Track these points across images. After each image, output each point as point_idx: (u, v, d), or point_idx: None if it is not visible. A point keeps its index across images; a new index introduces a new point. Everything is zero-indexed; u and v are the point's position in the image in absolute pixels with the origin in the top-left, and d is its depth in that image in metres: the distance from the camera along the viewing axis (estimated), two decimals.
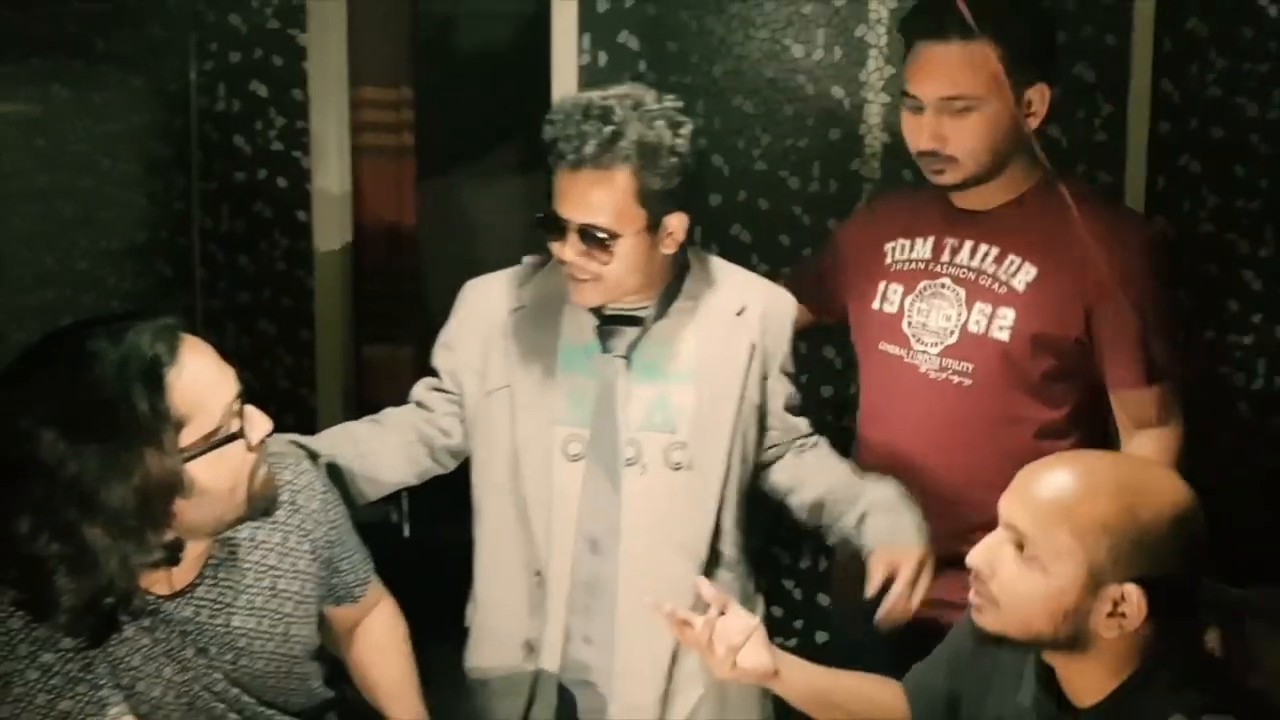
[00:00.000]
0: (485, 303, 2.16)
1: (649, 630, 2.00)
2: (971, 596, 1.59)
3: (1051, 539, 1.49)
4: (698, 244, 2.20)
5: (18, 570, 1.50)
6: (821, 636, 3.16)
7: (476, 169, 4.41)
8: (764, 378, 2.13)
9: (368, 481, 2.15)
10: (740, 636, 1.79)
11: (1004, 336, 2.17)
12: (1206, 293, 3.03)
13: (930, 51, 2.12)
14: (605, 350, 2.08)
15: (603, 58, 3.16)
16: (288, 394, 3.39)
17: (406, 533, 3.01)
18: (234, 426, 1.57)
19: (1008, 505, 1.56)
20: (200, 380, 1.54)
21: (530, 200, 4.26)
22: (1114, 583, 1.47)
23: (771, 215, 3.15)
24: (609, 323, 2.09)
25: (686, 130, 1.99)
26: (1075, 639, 1.52)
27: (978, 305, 2.19)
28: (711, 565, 2.09)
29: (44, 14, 3.31)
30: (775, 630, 3.14)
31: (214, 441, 1.55)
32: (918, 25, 2.16)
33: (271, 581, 1.74)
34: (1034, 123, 2.16)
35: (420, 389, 2.21)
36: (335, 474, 2.09)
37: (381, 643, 2.01)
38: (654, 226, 2.00)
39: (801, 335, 2.26)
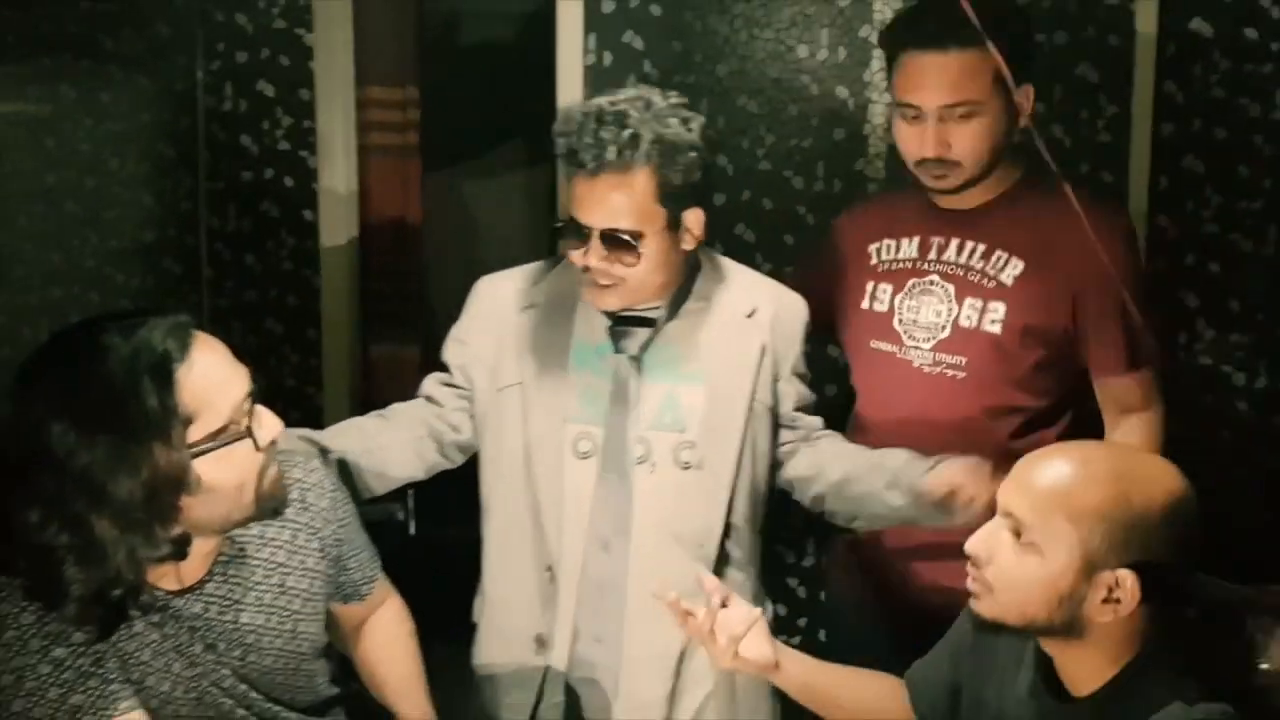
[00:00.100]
0: (498, 300, 2.17)
1: (657, 628, 2.01)
2: (969, 583, 1.62)
3: (1048, 525, 1.52)
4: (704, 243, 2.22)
5: (28, 559, 1.52)
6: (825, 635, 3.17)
7: (482, 168, 4.42)
8: (775, 379, 2.14)
9: (375, 476, 2.16)
10: (742, 627, 1.81)
11: (996, 329, 2.23)
12: (1209, 292, 3.04)
13: (927, 61, 2.17)
14: (617, 350, 2.10)
15: (608, 58, 3.17)
16: (294, 392, 3.40)
17: (412, 530, 3.01)
18: (242, 425, 1.58)
19: (1005, 494, 1.59)
20: (210, 377, 1.55)
21: (535, 200, 4.27)
22: (1108, 568, 1.50)
23: (775, 215, 3.15)
24: (621, 323, 2.10)
25: (697, 125, 2.01)
26: (1071, 625, 1.54)
27: (968, 300, 2.26)
28: (720, 564, 2.10)
29: (51, 13, 3.32)
30: (779, 628, 3.16)
31: (221, 439, 1.55)
32: (909, 37, 2.21)
33: (280, 579, 1.75)
34: (1023, 121, 2.23)
35: (430, 384, 2.23)
36: (343, 468, 2.10)
37: (388, 640, 2.02)
38: (674, 224, 2.02)
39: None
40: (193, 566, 1.67)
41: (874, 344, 2.34)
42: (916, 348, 2.29)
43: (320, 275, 3.42)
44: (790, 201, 3.15)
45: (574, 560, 2.09)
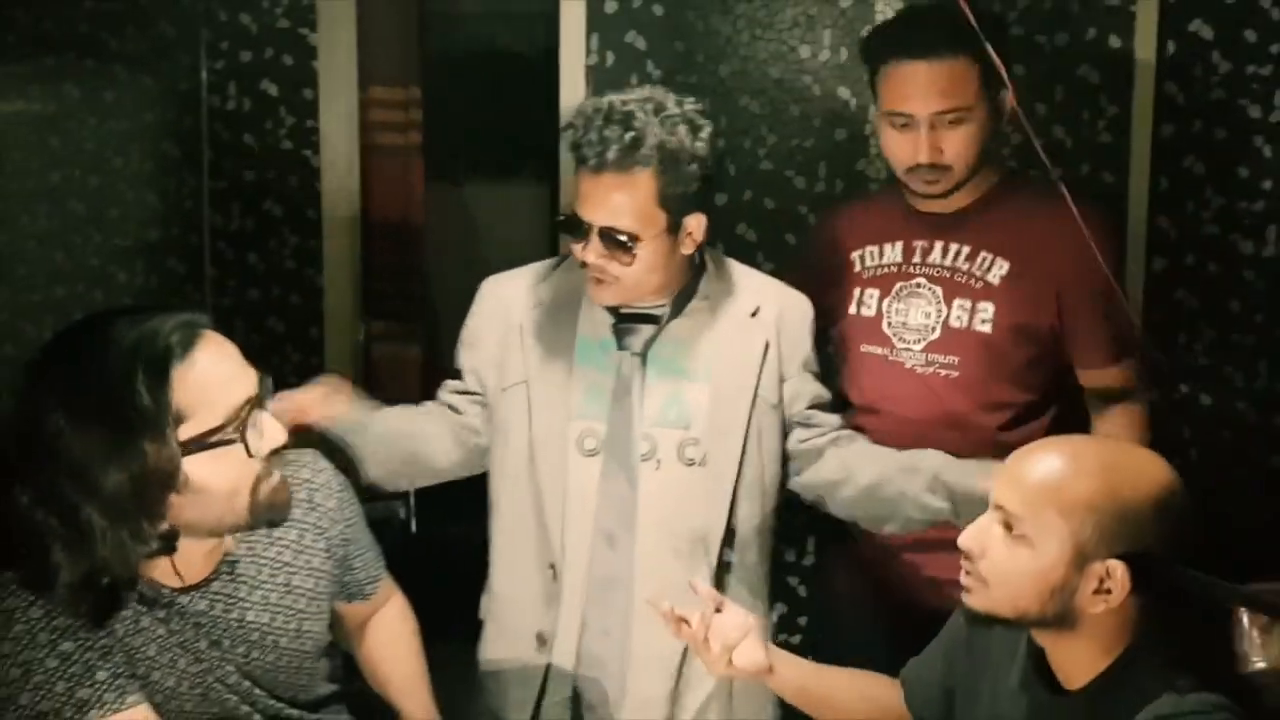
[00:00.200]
0: (503, 299, 2.18)
1: (661, 626, 2.02)
2: (962, 578, 1.63)
3: (1039, 518, 1.54)
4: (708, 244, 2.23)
5: (20, 541, 1.52)
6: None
7: (484, 168, 4.43)
8: (782, 378, 2.14)
9: (416, 461, 2.19)
10: (736, 634, 1.81)
11: (987, 329, 2.28)
12: (1209, 293, 3.05)
13: (917, 70, 2.21)
14: (621, 347, 2.10)
15: (610, 58, 3.17)
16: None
17: (414, 528, 3.02)
18: (237, 430, 1.55)
19: (997, 488, 1.61)
20: (208, 378, 1.54)
21: (537, 200, 4.29)
22: (1098, 559, 1.52)
23: (777, 214, 3.16)
24: (625, 321, 2.11)
25: (706, 133, 2.02)
26: (1063, 617, 1.56)
27: (957, 301, 2.31)
28: (723, 560, 2.10)
29: (56, 13, 3.33)
30: (779, 627, 3.17)
31: (210, 441, 1.53)
32: (897, 47, 2.24)
33: (286, 578, 1.75)
34: (998, 124, 2.30)
35: (445, 392, 2.24)
36: (386, 453, 2.12)
37: (392, 638, 2.03)
38: (674, 228, 2.03)
39: None
40: (199, 564, 1.67)
41: (864, 348, 2.38)
42: (908, 349, 2.33)
43: (323, 274, 3.44)
44: (792, 201, 3.16)
45: (579, 556, 2.09)
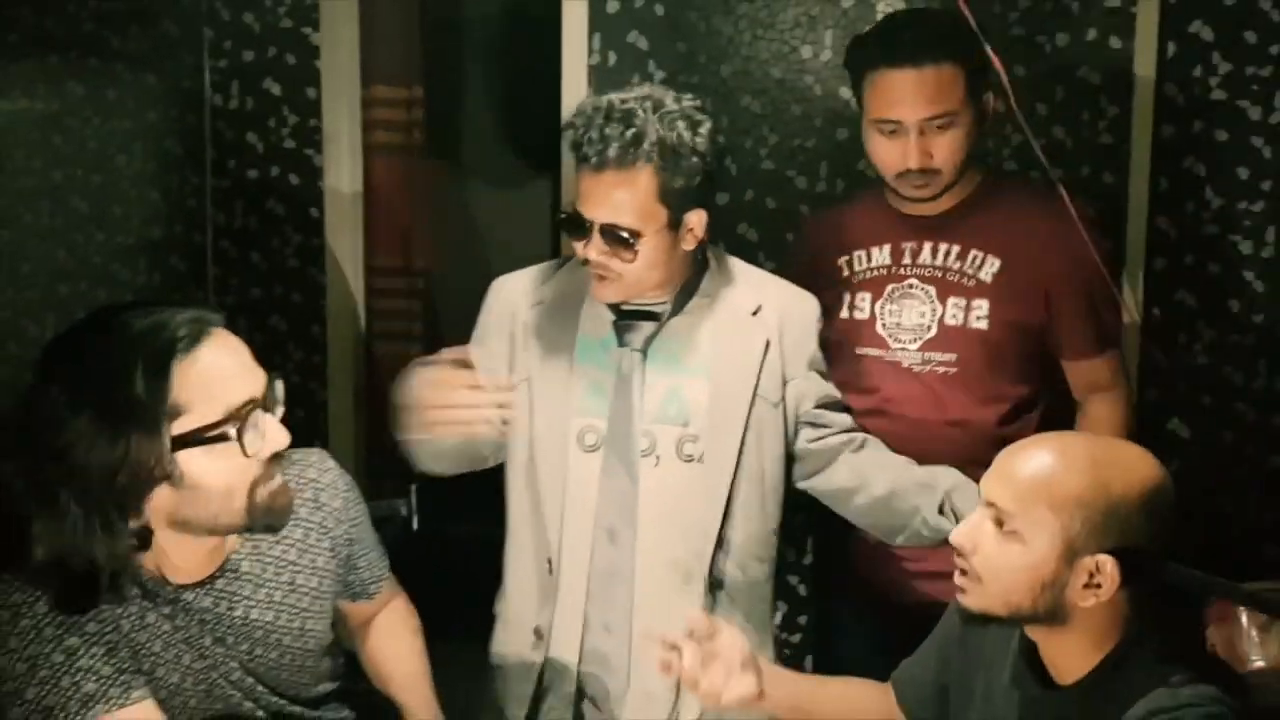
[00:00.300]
0: (509, 298, 2.19)
1: (664, 620, 2.02)
2: (956, 576, 1.65)
3: (1029, 513, 1.56)
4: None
5: (2, 512, 1.53)
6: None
7: (486, 167, 4.43)
8: (785, 377, 2.14)
9: (470, 453, 2.16)
10: (723, 678, 1.80)
11: (983, 325, 2.33)
12: (1209, 293, 3.05)
13: (905, 77, 2.23)
14: (622, 344, 2.11)
15: (612, 58, 3.18)
16: (298, 389, 3.42)
17: (415, 526, 3.02)
18: (233, 429, 1.55)
19: (988, 485, 1.63)
20: (210, 374, 1.54)
21: (539, 198, 4.29)
22: (1088, 554, 1.54)
23: (779, 214, 3.16)
24: (626, 318, 2.12)
25: (706, 129, 2.03)
26: (1054, 611, 1.58)
27: (951, 300, 2.35)
28: (719, 558, 2.11)
29: (59, 12, 3.33)
30: (780, 627, 3.17)
31: (205, 436, 1.53)
32: (885, 55, 2.26)
33: (291, 576, 1.76)
34: (983, 126, 2.33)
35: None
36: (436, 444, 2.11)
37: (395, 637, 2.04)
38: (675, 224, 2.04)
39: None
40: (204, 561, 1.68)
41: (860, 350, 2.40)
42: (904, 349, 2.37)
43: (325, 272, 3.44)
44: (793, 201, 3.16)
45: (580, 552, 2.10)
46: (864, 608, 2.47)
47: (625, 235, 2.00)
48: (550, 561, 2.11)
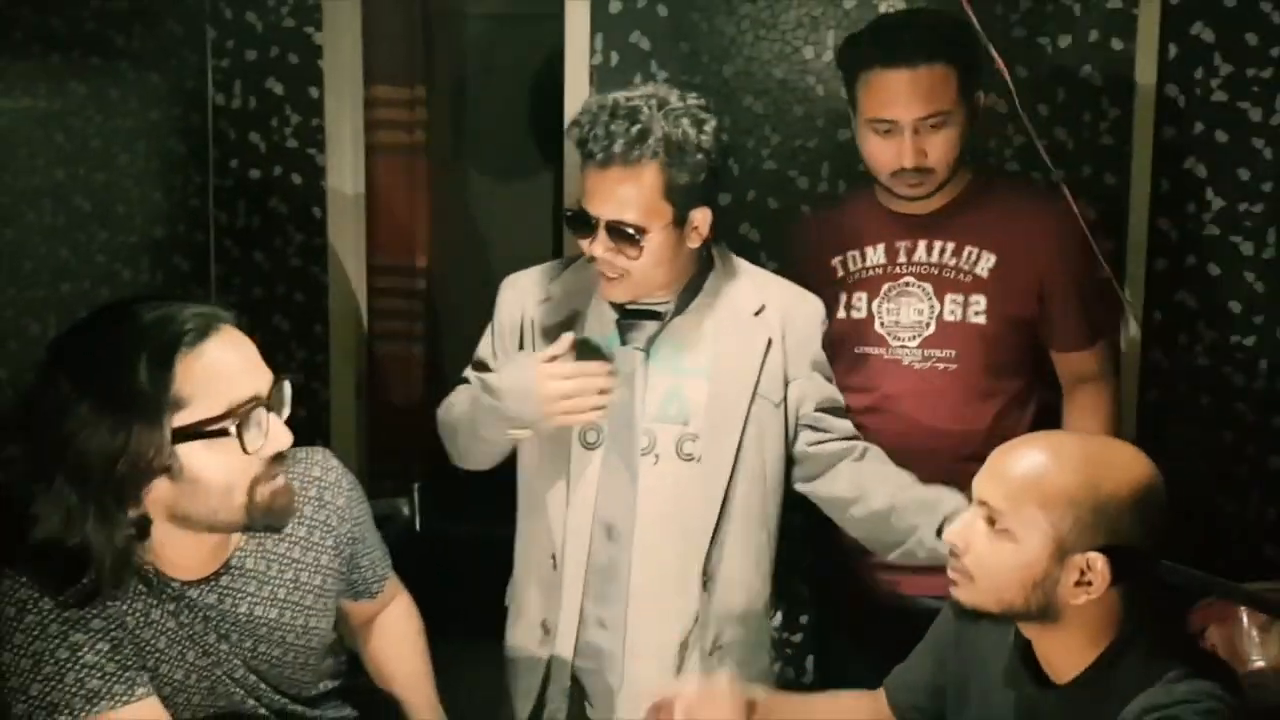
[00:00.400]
0: (518, 296, 2.21)
1: (659, 617, 2.04)
2: (949, 573, 1.67)
3: (1020, 512, 1.57)
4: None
5: (5, 493, 1.54)
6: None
7: (488, 167, 4.43)
8: (787, 378, 2.15)
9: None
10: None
11: (982, 320, 2.36)
12: (1210, 293, 3.06)
13: (900, 77, 2.25)
14: (624, 343, 2.12)
15: (614, 58, 3.19)
16: (300, 388, 3.42)
17: (417, 525, 3.02)
18: (233, 425, 1.55)
19: (980, 484, 1.64)
20: (214, 369, 1.54)
21: (541, 198, 4.29)
22: (1079, 552, 1.55)
23: (780, 214, 3.17)
24: (630, 317, 2.13)
25: (710, 126, 2.04)
26: (1046, 609, 1.59)
27: (949, 296, 2.37)
28: (717, 557, 2.11)
29: (61, 11, 3.33)
30: (780, 627, 3.17)
31: (205, 430, 1.53)
32: (880, 55, 2.27)
33: (295, 574, 1.76)
34: (974, 124, 2.35)
35: (474, 378, 2.24)
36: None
37: (398, 636, 2.04)
38: (680, 221, 2.05)
39: None
40: (207, 557, 1.68)
41: (859, 349, 2.42)
42: (903, 346, 2.39)
43: (327, 272, 3.45)
44: (795, 201, 3.17)
45: (580, 547, 2.11)
46: (864, 607, 2.48)
47: (631, 231, 2.01)
48: (554, 557, 2.12)
